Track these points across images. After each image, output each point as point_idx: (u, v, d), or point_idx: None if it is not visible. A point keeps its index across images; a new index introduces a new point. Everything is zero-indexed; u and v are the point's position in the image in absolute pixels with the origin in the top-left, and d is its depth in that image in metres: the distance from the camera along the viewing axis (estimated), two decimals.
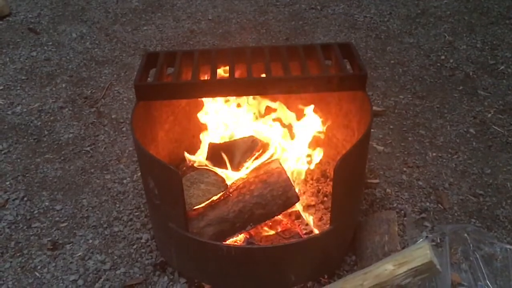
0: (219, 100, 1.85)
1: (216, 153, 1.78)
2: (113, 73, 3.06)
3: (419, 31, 3.46)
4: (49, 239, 1.95)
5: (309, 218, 1.85)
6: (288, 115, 1.92)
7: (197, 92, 1.65)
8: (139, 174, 2.17)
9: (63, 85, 2.94)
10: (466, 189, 2.14)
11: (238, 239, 1.76)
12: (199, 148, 1.92)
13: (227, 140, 1.86)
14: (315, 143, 1.95)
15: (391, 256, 1.53)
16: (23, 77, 3.02)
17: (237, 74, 1.66)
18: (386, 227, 1.76)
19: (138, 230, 1.97)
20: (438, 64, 3.06)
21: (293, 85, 1.63)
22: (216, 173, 1.74)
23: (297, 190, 1.74)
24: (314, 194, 2.01)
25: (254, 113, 1.92)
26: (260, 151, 1.79)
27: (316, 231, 1.78)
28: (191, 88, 1.63)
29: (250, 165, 1.77)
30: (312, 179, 2.08)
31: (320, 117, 1.90)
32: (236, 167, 1.75)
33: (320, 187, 2.04)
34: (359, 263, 1.75)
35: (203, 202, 1.68)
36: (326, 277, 1.74)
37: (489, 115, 2.61)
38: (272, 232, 1.80)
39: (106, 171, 2.29)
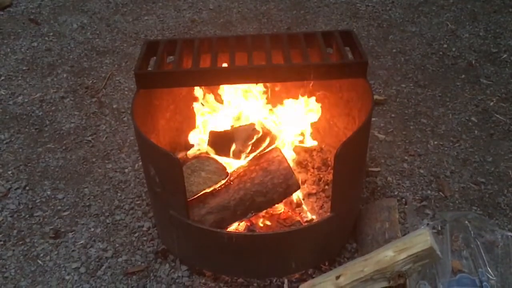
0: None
1: (217, 141, 1.78)
2: (114, 63, 3.05)
3: (421, 19, 3.43)
4: (51, 227, 1.96)
5: (310, 206, 1.85)
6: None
7: (198, 80, 1.65)
8: (140, 163, 2.17)
9: (64, 75, 2.93)
10: (468, 177, 2.14)
11: (239, 226, 1.76)
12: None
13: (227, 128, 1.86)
14: (315, 131, 1.94)
15: (391, 242, 1.54)
16: (24, 68, 3.02)
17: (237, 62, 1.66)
18: (387, 214, 1.76)
19: (140, 218, 1.98)
20: (441, 53, 3.05)
21: (293, 72, 1.62)
22: (217, 161, 1.74)
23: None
24: (315, 183, 2.01)
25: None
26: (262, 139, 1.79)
27: (316, 219, 1.78)
28: (192, 76, 1.63)
29: (251, 153, 1.77)
30: (313, 168, 2.08)
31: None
32: (237, 155, 1.75)
33: (321, 176, 2.03)
34: (360, 250, 1.75)
35: (204, 190, 1.68)
36: (327, 264, 1.75)
37: (491, 103, 2.59)
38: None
39: (107, 160, 2.30)
